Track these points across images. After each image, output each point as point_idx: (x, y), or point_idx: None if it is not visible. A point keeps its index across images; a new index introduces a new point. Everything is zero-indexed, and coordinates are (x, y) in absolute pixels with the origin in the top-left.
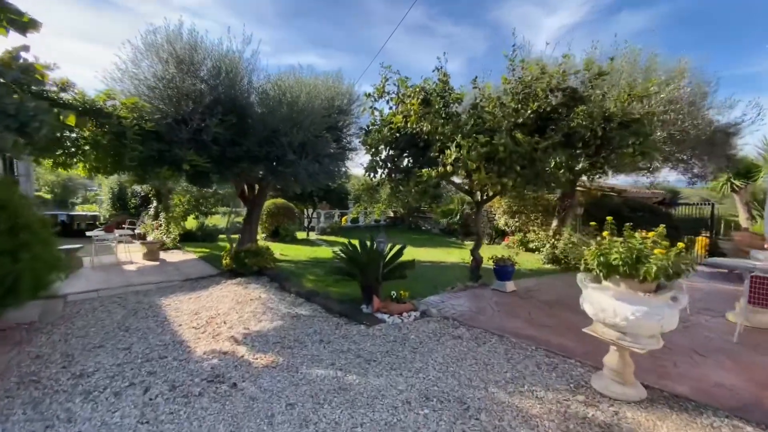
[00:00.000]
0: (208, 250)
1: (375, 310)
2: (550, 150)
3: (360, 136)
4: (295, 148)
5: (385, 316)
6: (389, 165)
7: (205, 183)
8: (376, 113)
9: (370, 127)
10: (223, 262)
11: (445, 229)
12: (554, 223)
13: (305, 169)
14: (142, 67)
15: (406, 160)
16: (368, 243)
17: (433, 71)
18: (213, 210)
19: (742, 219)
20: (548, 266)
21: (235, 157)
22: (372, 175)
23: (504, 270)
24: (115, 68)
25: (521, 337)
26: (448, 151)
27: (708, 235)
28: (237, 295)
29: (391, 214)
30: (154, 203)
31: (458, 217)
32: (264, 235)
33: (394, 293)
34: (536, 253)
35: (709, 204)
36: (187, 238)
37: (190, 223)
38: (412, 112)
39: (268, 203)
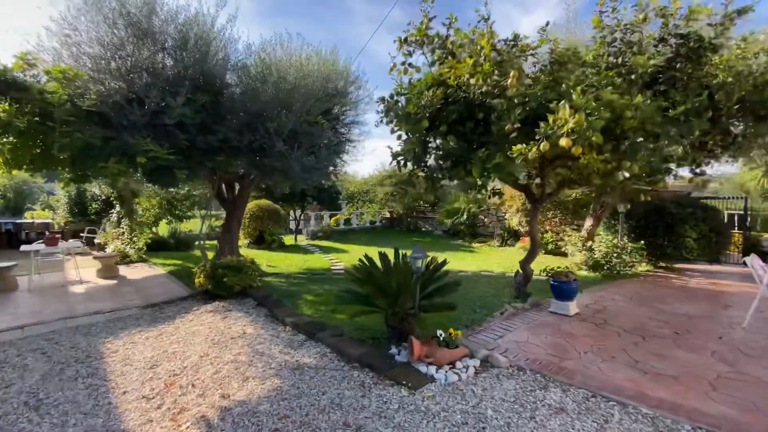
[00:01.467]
0: (180, 262)
1: (416, 358)
2: (681, 120)
3: (358, 125)
4: (285, 136)
5: (432, 369)
6: (432, 146)
7: (168, 181)
8: (410, 72)
9: (400, 95)
10: (196, 280)
11: (449, 230)
12: (587, 223)
13: (299, 163)
14: (79, 29)
15: (452, 142)
16: (394, 257)
17: (479, 22)
18: (188, 214)
19: None
20: (585, 273)
21: (209, 148)
22: (404, 164)
23: (566, 288)
24: (43, 30)
25: (648, 401)
26: (561, 113)
27: (741, 231)
28: (213, 330)
29: (387, 215)
30: (117, 208)
31: (465, 217)
32: (247, 241)
33: (440, 334)
34: (565, 257)
35: (741, 198)
36: (157, 247)
37: (163, 228)
38: (483, 58)
39: (251, 205)
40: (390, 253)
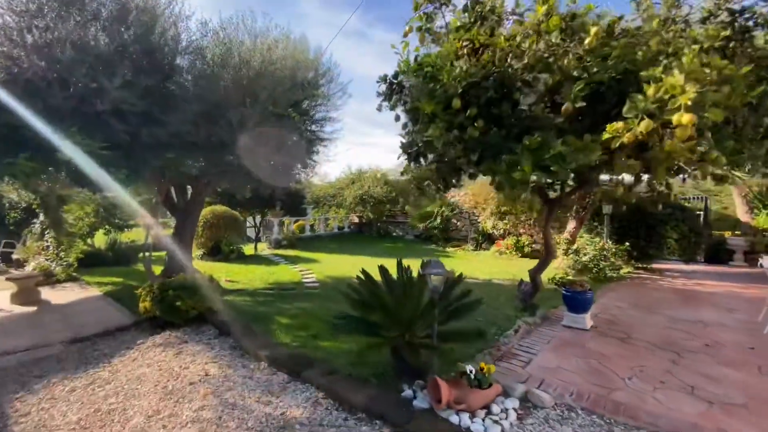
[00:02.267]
0: (120, 281)
1: (443, 404)
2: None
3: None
4: (251, 131)
5: (465, 418)
6: (458, 134)
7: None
8: (427, 42)
9: (409, 72)
10: (141, 305)
11: (421, 235)
12: (570, 225)
13: (268, 162)
14: None
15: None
16: (398, 272)
17: None
18: (131, 223)
19: (741, 213)
20: (572, 277)
21: (156, 143)
22: (414, 158)
23: (581, 298)
24: None
25: None
26: (672, 79)
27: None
28: (165, 373)
29: (356, 220)
30: (41, 217)
31: (438, 221)
32: (200, 252)
33: (470, 370)
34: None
35: (701, 199)
36: (92, 262)
37: (100, 239)
38: (545, 14)
39: (205, 212)
40: (371, 267)
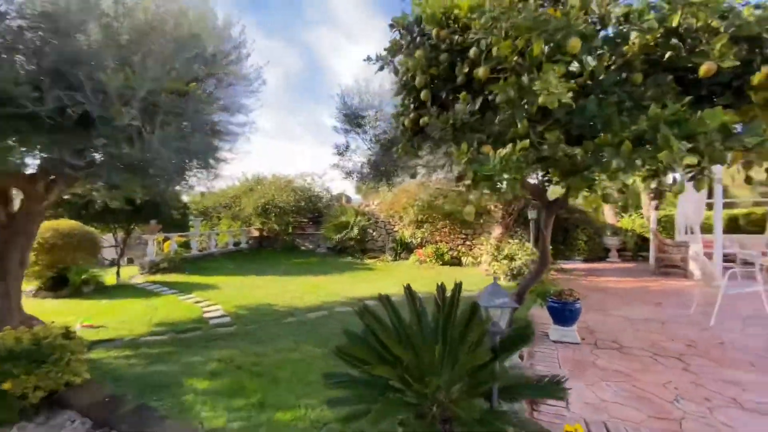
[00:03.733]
0: None
1: None
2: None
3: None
4: (137, 106)
5: None
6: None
7: None
8: None
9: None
10: None
11: (335, 247)
12: (496, 231)
13: (168, 149)
14: None
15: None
16: (410, 302)
17: None
18: None
19: (609, 216)
20: (505, 282)
21: None
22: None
23: (570, 309)
24: None
25: None
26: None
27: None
28: None
29: (256, 233)
30: None
31: (356, 231)
32: (33, 287)
33: None
34: (467, 266)
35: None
36: None
37: None
38: None
39: (44, 229)
40: (286, 287)
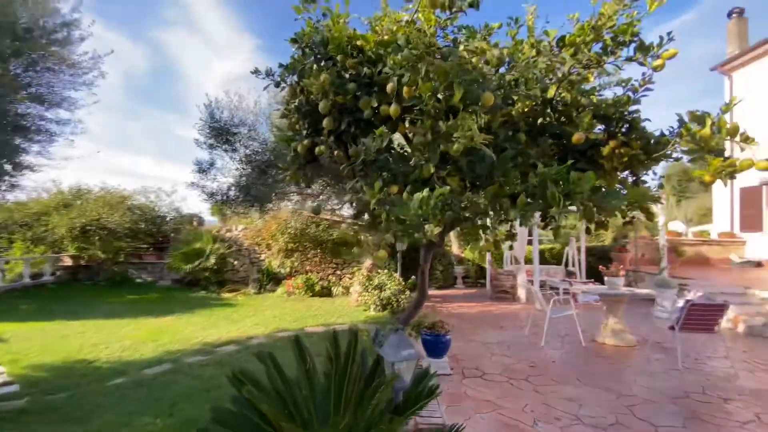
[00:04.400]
0: None
1: None
2: None
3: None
4: None
5: None
6: None
7: None
8: None
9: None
10: None
11: (184, 279)
12: (368, 261)
13: None
14: None
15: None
16: (300, 357)
17: None
18: None
19: (455, 248)
20: (374, 313)
21: None
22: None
23: (442, 342)
24: None
25: None
26: None
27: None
28: None
29: (69, 261)
30: None
31: (213, 260)
32: None
33: None
34: (337, 297)
35: None
36: None
37: None
38: None
39: None
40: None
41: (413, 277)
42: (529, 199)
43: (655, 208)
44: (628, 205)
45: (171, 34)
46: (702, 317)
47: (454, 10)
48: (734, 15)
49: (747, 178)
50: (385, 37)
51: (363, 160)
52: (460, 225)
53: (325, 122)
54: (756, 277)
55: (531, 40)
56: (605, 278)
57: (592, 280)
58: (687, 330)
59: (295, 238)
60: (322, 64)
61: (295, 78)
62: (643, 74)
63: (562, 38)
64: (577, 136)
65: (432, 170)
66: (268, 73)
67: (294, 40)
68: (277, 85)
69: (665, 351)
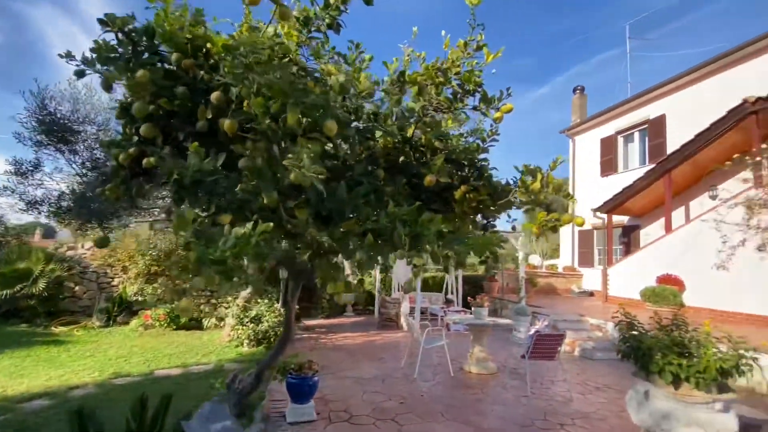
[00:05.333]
0: None
1: None
2: None
3: None
4: None
5: None
6: None
7: None
8: None
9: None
10: None
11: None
12: (248, 289)
13: None
14: None
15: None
16: None
17: None
18: None
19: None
20: (248, 348)
21: None
22: None
23: (308, 385)
24: None
25: None
26: None
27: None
28: None
29: None
30: None
31: (42, 284)
32: None
33: None
34: (209, 329)
35: None
36: None
37: None
38: None
39: None
40: None
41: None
42: (379, 240)
43: (515, 243)
44: (479, 250)
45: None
46: (546, 346)
47: (312, 28)
48: (577, 91)
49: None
50: (230, 42)
51: (176, 180)
52: (316, 262)
53: (143, 129)
54: (589, 305)
55: (363, 73)
56: (472, 308)
57: (464, 309)
58: (534, 358)
59: (159, 260)
60: (144, 57)
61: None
62: (491, 126)
63: (402, 73)
64: (429, 179)
65: (275, 200)
66: (85, 60)
67: (104, 22)
68: (82, 75)
69: (519, 377)
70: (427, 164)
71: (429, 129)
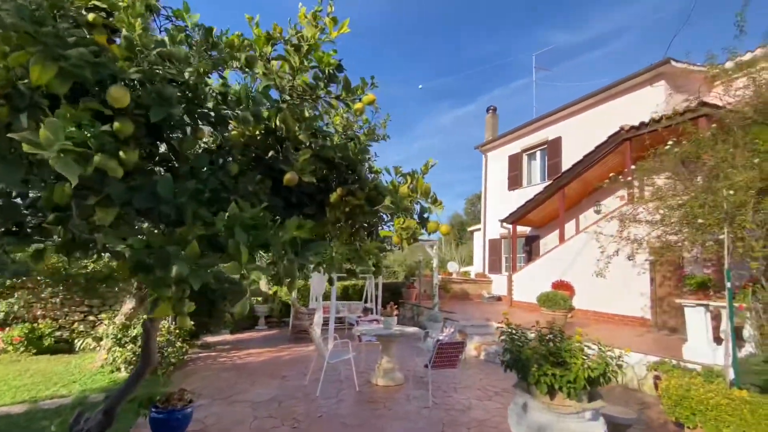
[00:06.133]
0: None
1: None
2: None
3: None
4: None
5: None
6: None
7: None
8: None
9: None
10: None
11: None
12: (127, 305)
13: None
14: None
15: None
16: None
17: None
18: None
19: (262, 282)
20: (125, 375)
21: None
22: None
23: (176, 419)
24: None
25: None
26: None
27: None
28: None
29: None
30: None
31: None
32: None
33: None
34: (83, 351)
35: None
36: None
37: None
38: None
39: None
40: None
41: (191, 322)
42: (208, 250)
43: (430, 251)
44: (358, 259)
45: None
46: (448, 354)
47: None
48: (490, 110)
49: (492, 232)
50: None
51: None
52: (137, 277)
53: None
54: (497, 310)
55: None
56: (383, 318)
57: (381, 317)
58: (437, 367)
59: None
60: None
61: None
62: (370, 124)
63: (209, 30)
64: (290, 176)
65: (69, 194)
66: None
67: None
68: None
69: (424, 386)
70: (290, 162)
71: (298, 121)
